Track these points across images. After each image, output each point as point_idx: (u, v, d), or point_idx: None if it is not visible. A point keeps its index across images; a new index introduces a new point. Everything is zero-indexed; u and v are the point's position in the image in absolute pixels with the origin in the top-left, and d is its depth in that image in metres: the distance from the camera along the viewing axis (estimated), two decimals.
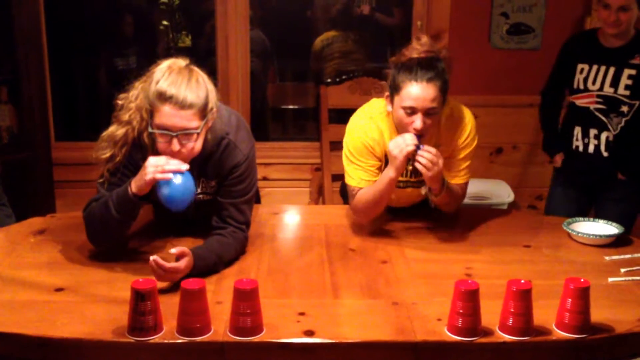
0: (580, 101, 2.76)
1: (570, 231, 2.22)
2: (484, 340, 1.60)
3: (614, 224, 2.25)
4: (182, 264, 1.79)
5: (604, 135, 2.72)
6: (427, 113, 2.06)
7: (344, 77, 3.53)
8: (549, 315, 1.65)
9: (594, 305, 1.63)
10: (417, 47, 2.11)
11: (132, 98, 1.96)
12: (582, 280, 1.61)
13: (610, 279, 1.91)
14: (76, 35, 3.89)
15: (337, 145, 3.45)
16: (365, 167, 2.22)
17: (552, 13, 3.53)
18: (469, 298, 1.58)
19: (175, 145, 1.83)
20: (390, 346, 1.60)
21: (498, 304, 1.73)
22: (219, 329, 1.60)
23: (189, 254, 1.82)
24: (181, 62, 1.91)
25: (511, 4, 3.52)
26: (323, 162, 3.45)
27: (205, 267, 1.88)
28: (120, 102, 2.00)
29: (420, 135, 2.07)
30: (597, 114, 2.72)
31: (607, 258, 2.07)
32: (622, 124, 2.68)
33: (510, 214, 2.64)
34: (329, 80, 3.54)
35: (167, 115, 1.81)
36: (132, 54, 3.96)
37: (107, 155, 1.95)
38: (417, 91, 2.03)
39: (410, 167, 2.23)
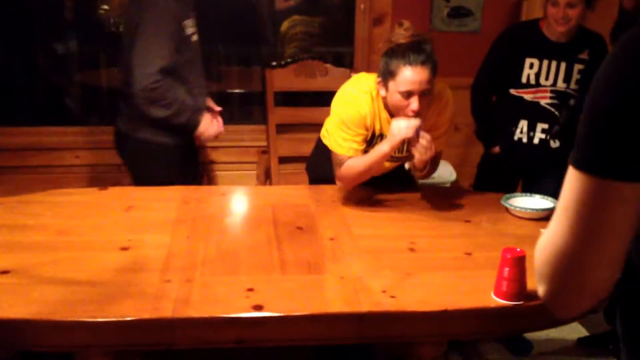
0: (531, 96, 2.77)
1: (508, 206, 2.31)
2: (426, 309, 1.66)
3: (549, 198, 2.35)
4: None
5: (554, 129, 2.79)
6: (423, 94, 2.16)
7: (289, 60, 3.55)
8: (488, 285, 1.73)
9: (532, 274, 1.69)
10: (402, 32, 2.18)
11: None
12: (518, 250, 1.69)
13: None
14: (14, 19, 3.79)
15: (283, 128, 3.48)
16: (356, 137, 2.31)
17: None
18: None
19: None
20: (336, 317, 1.65)
21: (440, 275, 1.80)
22: (168, 306, 1.62)
23: None
24: None
25: None
26: (269, 145, 3.47)
27: None
28: None
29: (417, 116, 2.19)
30: (549, 108, 2.76)
31: (542, 230, 2.16)
32: (568, 116, 2.77)
33: (451, 191, 2.72)
34: (273, 63, 3.55)
35: None
36: (72, 38, 3.89)
37: None
38: (412, 75, 2.12)
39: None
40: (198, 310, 1.62)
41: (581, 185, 0.85)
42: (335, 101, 2.38)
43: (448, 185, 3.45)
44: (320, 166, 2.58)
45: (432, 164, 2.36)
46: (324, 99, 3.51)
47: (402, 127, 2.18)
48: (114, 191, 2.49)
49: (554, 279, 0.91)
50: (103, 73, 4.00)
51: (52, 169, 3.42)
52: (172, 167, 2.77)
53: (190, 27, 2.70)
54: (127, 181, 3.49)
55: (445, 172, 3.54)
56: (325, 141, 2.50)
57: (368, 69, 3.45)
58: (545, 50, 2.73)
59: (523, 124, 2.83)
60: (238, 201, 2.54)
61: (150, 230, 2.17)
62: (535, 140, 2.82)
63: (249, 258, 1.94)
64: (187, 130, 2.73)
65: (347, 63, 3.74)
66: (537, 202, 2.36)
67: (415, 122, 2.17)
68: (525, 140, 2.83)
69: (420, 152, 2.20)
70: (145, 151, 2.74)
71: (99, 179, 3.36)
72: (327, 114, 3.33)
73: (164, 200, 2.40)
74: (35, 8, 3.85)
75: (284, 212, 2.32)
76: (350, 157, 2.32)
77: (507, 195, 2.38)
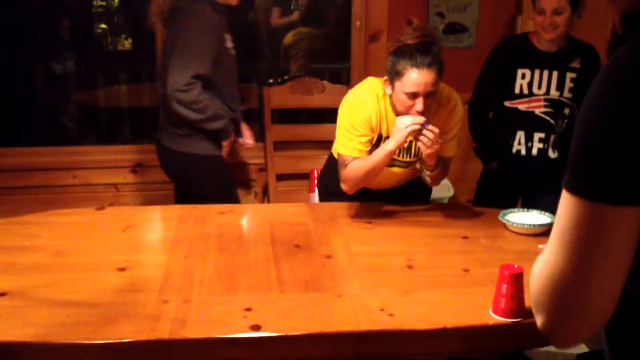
0: (525, 106, 2.80)
1: (505, 222, 2.31)
2: (425, 327, 1.66)
3: (547, 213, 2.35)
4: None
5: (552, 138, 2.81)
6: (428, 95, 2.18)
7: (286, 77, 3.56)
8: (487, 302, 1.72)
9: (529, 291, 1.70)
10: (411, 32, 2.20)
11: None
12: (515, 266, 1.69)
13: None
14: (12, 39, 3.81)
15: (280, 146, 3.49)
16: (361, 138, 2.32)
17: (485, 13, 3.64)
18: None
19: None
20: (335, 337, 1.64)
21: (438, 293, 1.79)
22: (165, 326, 1.61)
23: None
24: None
25: (446, 4, 3.62)
26: (267, 163, 3.48)
27: None
28: None
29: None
30: (544, 117, 2.78)
31: (540, 246, 2.16)
32: (564, 125, 2.80)
33: (449, 207, 2.72)
34: (270, 81, 3.56)
35: None
36: (70, 58, 3.90)
37: None
38: (418, 77, 2.14)
39: (406, 145, 2.35)
40: (195, 331, 1.61)
41: (576, 210, 0.83)
42: (342, 104, 2.40)
43: (446, 201, 3.45)
44: (331, 181, 2.59)
45: (443, 169, 2.38)
46: (321, 116, 3.54)
47: (405, 120, 2.19)
48: (112, 211, 2.49)
49: (553, 308, 0.88)
50: (100, 92, 4.01)
51: (49, 189, 3.42)
52: (220, 179, 2.90)
53: (229, 40, 2.79)
54: (124, 201, 3.49)
55: (443, 188, 3.55)
56: (336, 154, 2.51)
57: None
58: (536, 60, 2.77)
59: (520, 135, 2.84)
60: (236, 220, 2.53)
61: (147, 250, 2.17)
62: (534, 151, 2.83)
63: (247, 277, 1.94)
64: (223, 138, 2.82)
65: (344, 79, 3.75)
66: (534, 217, 2.36)
67: (420, 117, 2.18)
68: (524, 152, 2.84)
69: (427, 144, 2.19)
70: (194, 165, 2.83)
71: (97, 198, 3.35)
72: (325, 130, 3.35)
73: (161, 220, 2.40)
74: (32, 27, 3.87)
75: (282, 230, 2.31)
76: (354, 158, 2.32)
77: (505, 211, 2.39)
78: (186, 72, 2.62)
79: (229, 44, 2.81)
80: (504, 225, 2.32)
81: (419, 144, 2.22)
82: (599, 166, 0.81)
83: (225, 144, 2.84)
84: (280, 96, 3.52)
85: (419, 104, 2.18)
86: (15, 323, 1.62)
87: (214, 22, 2.69)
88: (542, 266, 0.89)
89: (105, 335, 1.57)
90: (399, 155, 2.40)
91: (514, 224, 2.28)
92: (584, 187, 0.82)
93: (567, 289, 0.85)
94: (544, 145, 2.82)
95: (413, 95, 2.18)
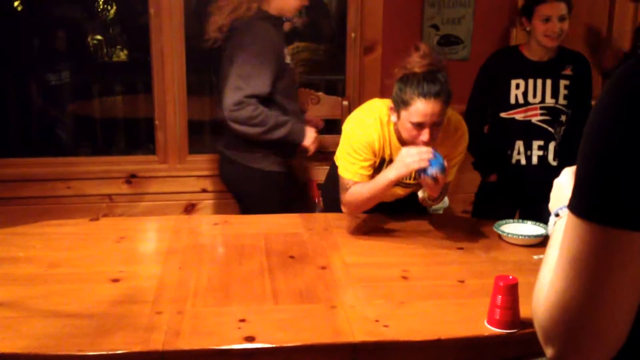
0: (522, 115, 2.82)
1: (500, 232, 2.31)
2: (420, 339, 1.65)
3: (541, 224, 2.35)
4: None
5: (552, 145, 2.83)
6: (434, 125, 2.16)
7: None
8: (482, 313, 1.72)
9: (525, 302, 1.69)
10: (418, 60, 2.16)
11: None
12: (510, 277, 1.69)
13: None
14: (6, 50, 3.81)
15: None
16: (363, 162, 2.30)
17: (479, 25, 3.66)
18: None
19: None
20: (330, 348, 1.63)
21: (434, 304, 1.79)
22: (159, 338, 1.60)
23: None
24: None
25: (441, 17, 3.63)
26: None
27: None
28: None
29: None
30: (542, 125, 2.81)
31: (535, 257, 2.16)
32: (562, 132, 2.83)
33: (444, 218, 2.72)
34: None
35: None
36: (65, 69, 3.90)
37: None
38: (425, 107, 2.11)
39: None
40: (189, 342, 1.60)
41: (588, 236, 0.78)
42: (345, 126, 2.38)
43: (441, 212, 3.45)
44: (334, 189, 2.59)
45: (442, 192, 2.34)
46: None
47: (412, 154, 2.14)
48: (106, 222, 2.49)
49: (566, 338, 0.83)
50: (96, 103, 4.01)
51: (43, 200, 3.41)
52: (283, 193, 2.89)
53: (287, 55, 2.81)
54: (118, 211, 3.48)
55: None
56: (337, 160, 2.51)
57: (359, 97, 3.47)
58: (529, 70, 2.81)
59: (519, 145, 2.86)
60: (230, 230, 2.53)
61: (141, 261, 2.16)
62: (534, 160, 2.85)
63: (241, 288, 1.93)
64: (289, 144, 2.81)
65: (340, 91, 3.76)
66: (529, 228, 2.36)
67: (427, 152, 2.13)
68: (523, 161, 2.86)
69: (430, 185, 2.16)
70: (257, 178, 2.83)
71: (91, 209, 3.34)
72: (320, 142, 3.33)
73: (156, 231, 2.40)
74: (27, 38, 3.88)
75: (276, 241, 2.31)
76: (355, 182, 2.30)
77: (500, 222, 2.39)
78: (239, 93, 2.61)
79: (288, 58, 2.82)
80: (499, 236, 2.32)
81: (426, 180, 2.16)
82: (613, 189, 0.76)
83: (306, 144, 2.81)
84: None
85: (425, 135, 2.15)
86: (8, 334, 1.61)
87: (273, 40, 2.69)
88: (551, 296, 0.83)
89: (99, 346, 1.56)
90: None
91: (509, 235, 2.28)
92: (597, 211, 0.78)
93: (581, 317, 0.81)
94: (543, 153, 2.84)
95: (419, 126, 2.15)
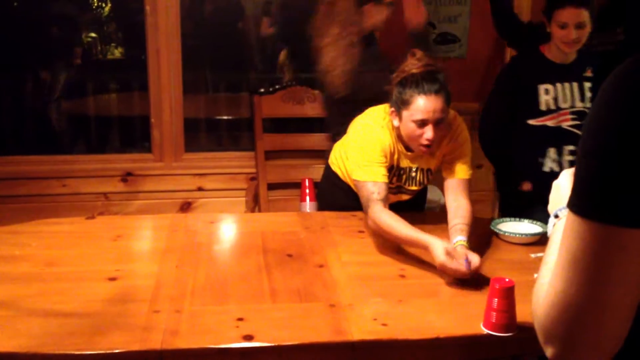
0: (554, 121, 2.74)
1: (497, 231, 2.31)
2: (418, 337, 1.65)
3: (538, 222, 2.35)
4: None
5: None
6: (437, 123, 2.15)
7: (277, 86, 3.56)
8: (479, 311, 1.71)
9: (522, 300, 1.69)
10: (415, 62, 2.17)
11: None
12: (507, 280, 1.68)
13: (536, 275, 1.99)
14: (1, 47, 3.79)
15: (271, 155, 3.48)
16: (380, 165, 2.23)
17: (476, 23, 3.66)
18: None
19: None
20: (328, 347, 1.63)
21: (431, 302, 1.79)
22: (156, 337, 1.60)
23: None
24: None
25: (437, 15, 3.63)
26: (258, 172, 3.46)
27: None
28: None
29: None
30: (572, 129, 2.73)
31: (532, 255, 2.17)
32: None
33: (441, 216, 2.71)
34: (261, 90, 3.56)
35: None
36: (60, 66, 3.89)
37: None
38: (427, 104, 2.11)
39: (413, 174, 2.38)
40: (187, 341, 1.60)
41: (588, 234, 0.78)
42: (353, 135, 2.31)
43: (437, 209, 3.45)
44: (329, 193, 2.58)
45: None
46: (312, 125, 3.53)
47: (448, 262, 1.91)
48: (102, 220, 2.48)
49: (567, 337, 0.83)
50: (91, 101, 3.99)
51: (39, 198, 3.40)
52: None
53: None
54: (114, 210, 3.47)
55: (434, 196, 3.55)
56: (334, 167, 2.49)
57: None
58: (556, 73, 2.73)
59: (551, 152, 2.76)
60: (227, 229, 2.52)
61: (138, 259, 2.15)
62: (565, 165, 2.74)
63: (239, 287, 1.93)
64: None
65: None
66: (526, 227, 2.36)
67: (465, 261, 1.92)
68: (557, 168, 2.73)
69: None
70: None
71: (87, 208, 3.33)
72: (316, 140, 3.34)
73: (152, 229, 2.39)
74: (21, 35, 3.86)
75: (274, 240, 2.30)
76: (375, 183, 2.19)
77: (497, 220, 2.39)
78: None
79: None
80: (496, 234, 2.32)
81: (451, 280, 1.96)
82: (613, 186, 0.76)
83: None
84: (271, 105, 3.51)
85: (429, 132, 2.14)
86: (4, 333, 1.60)
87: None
88: (552, 296, 0.83)
89: (96, 345, 1.56)
90: (405, 184, 2.40)
91: (506, 234, 2.28)
92: (597, 209, 0.77)
93: (583, 316, 0.80)
94: (574, 157, 2.76)
95: (422, 123, 2.14)
